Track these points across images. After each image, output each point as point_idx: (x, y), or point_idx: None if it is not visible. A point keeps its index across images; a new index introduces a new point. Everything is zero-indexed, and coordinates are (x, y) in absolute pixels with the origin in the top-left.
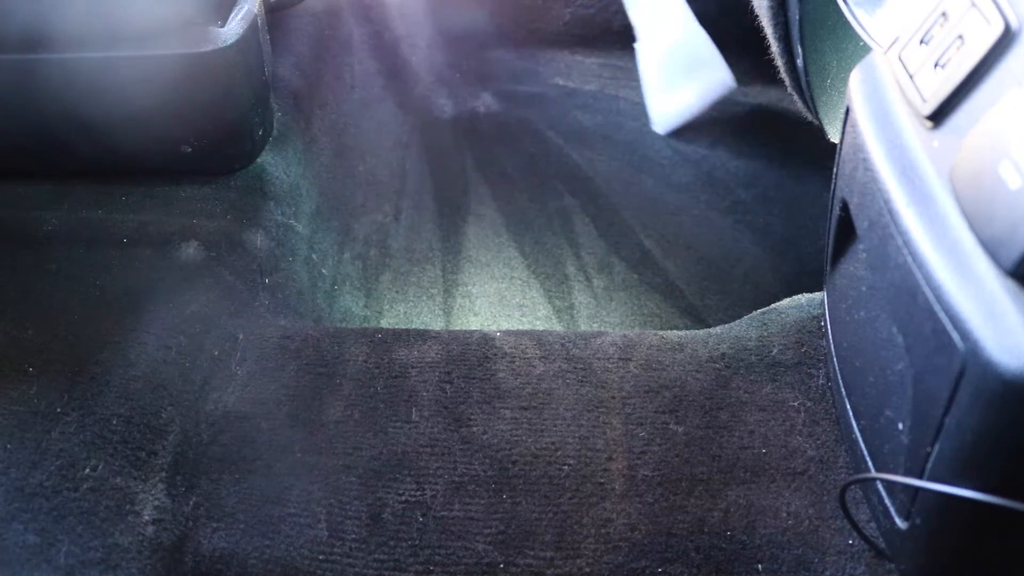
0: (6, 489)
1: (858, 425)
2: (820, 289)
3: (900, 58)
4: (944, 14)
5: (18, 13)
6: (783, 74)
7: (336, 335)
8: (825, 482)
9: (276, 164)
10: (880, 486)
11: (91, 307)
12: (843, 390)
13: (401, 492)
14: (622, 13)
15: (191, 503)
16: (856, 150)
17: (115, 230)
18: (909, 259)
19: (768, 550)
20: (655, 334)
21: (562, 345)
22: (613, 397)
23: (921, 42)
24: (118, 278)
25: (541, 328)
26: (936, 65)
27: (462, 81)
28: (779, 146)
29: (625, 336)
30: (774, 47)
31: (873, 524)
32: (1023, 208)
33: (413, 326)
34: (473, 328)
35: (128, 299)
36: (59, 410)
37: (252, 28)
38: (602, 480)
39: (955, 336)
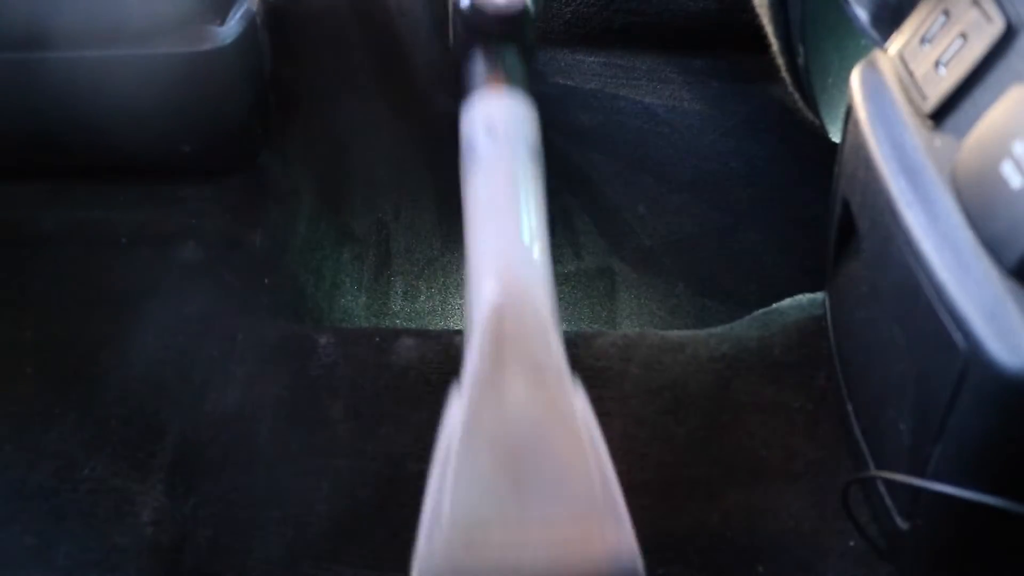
0: (4, 490)
1: (860, 426)
2: (822, 289)
3: (902, 57)
4: (946, 12)
5: (16, 12)
6: (784, 73)
7: (336, 335)
8: (826, 484)
9: (275, 164)
10: (881, 486)
11: (90, 307)
12: (845, 390)
13: (401, 492)
14: (623, 12)
15: (190, 504)
16: (857, 149)
17: (114, 230)
18: (911, 259)
19: (768, 551)
20: (655, 334)
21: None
22: (613, 397)
23: (923, 41)
24: (117, 278)
25: None
26: (937, 64)
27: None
28: (780, 145)
29: (625, 336)
30: (775, 45)
31: (874, 525)
32: None
33: (413, 326)
34: None
35: (127, 299)
36: (57, 411)
37: (251, 27)
38: None
39: (957, 336)
